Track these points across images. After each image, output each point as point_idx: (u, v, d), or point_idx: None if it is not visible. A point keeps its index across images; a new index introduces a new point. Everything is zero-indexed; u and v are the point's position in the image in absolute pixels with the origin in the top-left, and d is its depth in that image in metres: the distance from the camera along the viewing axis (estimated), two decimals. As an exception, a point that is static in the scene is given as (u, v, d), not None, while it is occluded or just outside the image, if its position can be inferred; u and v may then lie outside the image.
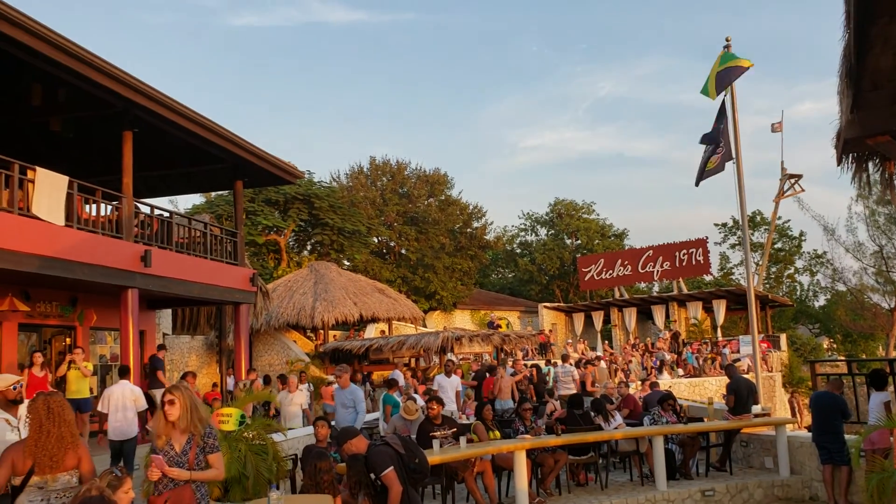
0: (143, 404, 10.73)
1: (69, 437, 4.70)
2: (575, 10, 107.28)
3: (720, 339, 34.53)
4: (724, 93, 12.43)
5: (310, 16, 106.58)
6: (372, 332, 30.79)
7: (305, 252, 39.68)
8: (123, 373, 10.93)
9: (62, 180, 12.01)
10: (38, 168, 11.62)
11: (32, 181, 11.51)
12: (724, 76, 12.08)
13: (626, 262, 40.11)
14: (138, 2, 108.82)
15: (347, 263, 39.23)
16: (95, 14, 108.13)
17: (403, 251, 44.62)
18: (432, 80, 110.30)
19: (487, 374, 16.74)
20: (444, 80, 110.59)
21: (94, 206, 13.60)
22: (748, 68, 12.08)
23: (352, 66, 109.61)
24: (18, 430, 5.47)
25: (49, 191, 11.69)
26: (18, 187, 11.29)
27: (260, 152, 17.10)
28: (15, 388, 5.61)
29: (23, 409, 5.48)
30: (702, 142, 12.76)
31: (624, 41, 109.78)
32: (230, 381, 18.93)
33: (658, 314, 38.45)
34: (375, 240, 43.95)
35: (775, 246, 51.52)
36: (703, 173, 12.82)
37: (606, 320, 40.91)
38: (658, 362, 28.94)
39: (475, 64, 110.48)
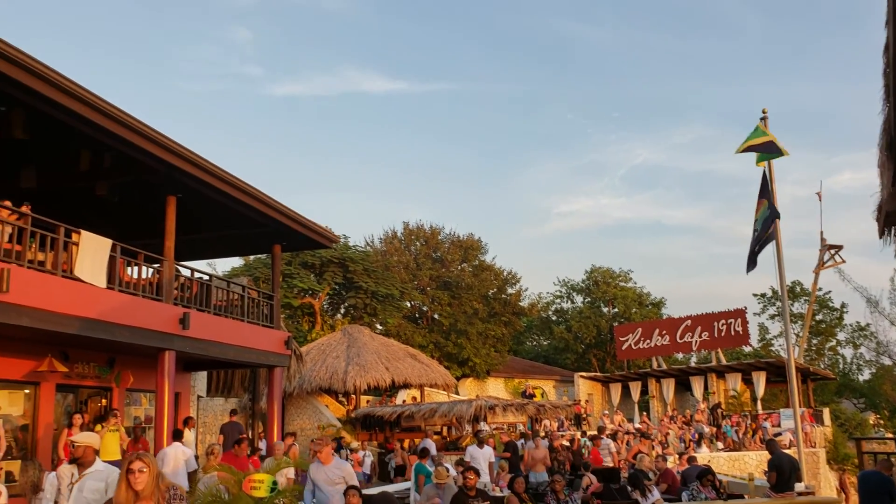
0: (193, 465, 11.46)
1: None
2: (609, 80, 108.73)
3: (760, 412, 33.63)
4: (765, 160, 12.30)
5: (349, 85, 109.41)
6: (404, 397, 30.55)
7: (339, 315, 39.81)
8: (177, 436, 11.46)
9: (106, 243, 12.27)
10: (82, 231, 11.89)
11: (77, 244, 11.76)
12: (763, 148, 12.01)
13: (664, 332, 39.58)
14: (183, 72, 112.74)
15: (380, 327, 39.25)
16: (142, 82, 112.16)
17: (436, 316, 44.55)
18: (466, 147, 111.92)
19: (523, 445, 16.44)
20: (478, 146, 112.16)
21: (135, 268, 13.82)
22: (783, 155, 11.99)
23: (387, 133, 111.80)
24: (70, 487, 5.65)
25: (92, 253, 11.93)
26: (63, 249, 11.55)
27: (298, 217, 17.35)
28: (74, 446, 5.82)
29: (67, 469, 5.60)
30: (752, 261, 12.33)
31: (659, 110, 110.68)
32: (262, 444, 18.82)
33: (696, 385, 37.67)
34: (408, 304, 43.98)
35: (816, 317, 50.45)
36: (756, 250, 12.43)
37: (644, 391, 40.16)
38: (696, 435, 28.22)
39: (509, 131, 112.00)
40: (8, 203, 11.08)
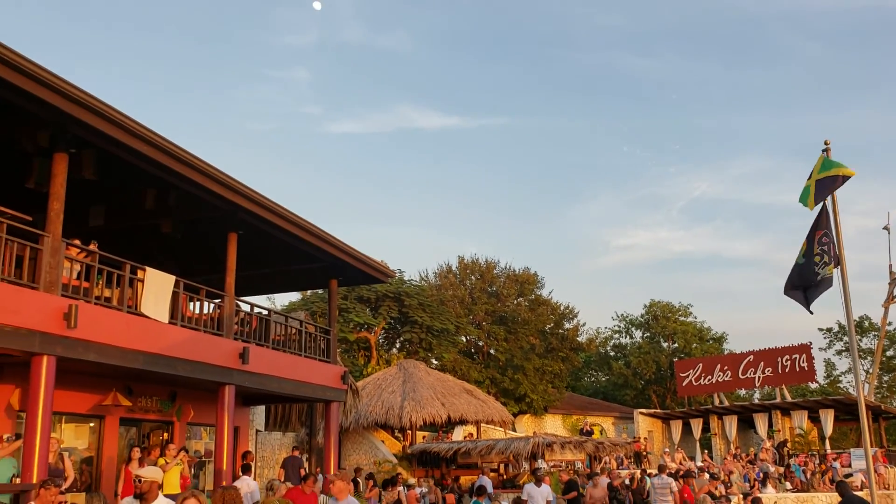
0: (257, 497, 12.02)
1: None
2: (666, 112, 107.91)
3: (829, 451, 32.39)
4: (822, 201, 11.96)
5: (404, 122, 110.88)
6: (460, 434, 30.35)
7: (395, 349, 39.92)
8: (246, 469, 11.78)
9: (169, 280, 12.59)
10: (147, 268, 12.24)
11: (142, 280, 12.11)
12: (825, 185, 11.68)
13: (726, 368, 38.66)
14: (244, 112, 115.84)
15: (435, 362, 39.19)
16: (204, 122, 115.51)
17: (492, 351, 44.29)
18: (522, 181, 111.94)
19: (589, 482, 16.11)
20: (533, 180, 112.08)
21: (197, 303, 14.13)
22: (850, 177, 11.67)
23: (442, 168, 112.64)
24: None
25: (157, 289, 12.25)
26: (129, 286, 11.89)
27: (354, 252, 17.57)
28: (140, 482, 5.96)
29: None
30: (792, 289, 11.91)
31: (718, 141, 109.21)
32: (320, 479, 18.87)
33: (760, 423, 36.55)
34: (464, 339, 43.84)
35: (887, 353, 48.63)
36: (810, 291, 11.97)
37: (706, 428, 39.13)
38: (761, 474, 27.28)
39: (565, 164, 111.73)
40: (77, 242, 11.48)
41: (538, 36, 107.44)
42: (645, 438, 37.34)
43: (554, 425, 43.11)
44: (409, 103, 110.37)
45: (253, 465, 16.39)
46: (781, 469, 28.62)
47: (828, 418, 34.60)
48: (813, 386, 46.51)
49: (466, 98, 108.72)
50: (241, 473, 13.30)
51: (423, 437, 29.54)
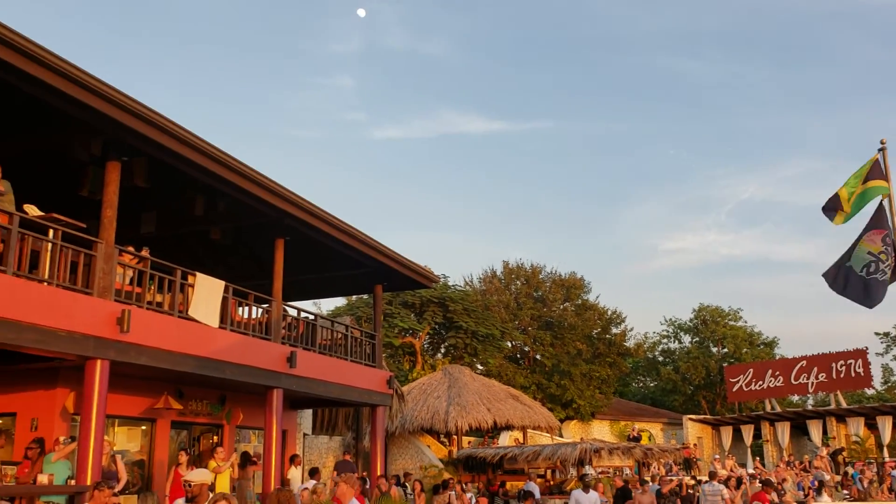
0: None
1: None
2: (713, 114, 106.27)
3: (888, 459, 31.45)
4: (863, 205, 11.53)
5: (448, 127, 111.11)
6: (506, 439, 30.21)
7: (440, 355, 39.93)
8: (313, 473, 12.07)
9: (219, 285, 12.78)
10: (197, 273, 12.44)
11: (192, 285, 12.31)
12: (871, 216, 11.22)
13: (778, 373, 37.85)
14: (290, 119, 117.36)
15: (481, 368, 39.08)
16: (251, 129, 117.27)
17: (538, 357, 44.02)
18: (567, 184, 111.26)
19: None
20: (579, 184, 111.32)
21: (246, 308, 14.32)
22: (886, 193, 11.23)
23: (487, 173, 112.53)
24: None
25: (207, 294, 12.44)
26: (180, 291, 12.10)
27: (399, 258, 17.63)
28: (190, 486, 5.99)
29: None
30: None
31: (766, 143, 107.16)
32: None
33: (814, 430, 35.68)
34: (509, 344, 43.65)
35: (947, 358, 47.13)
36: (873, 289, 11.49)
37: (757, 435, 38.34)
38: (816, 483, 26.58)
39: (611, 167, 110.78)
40: (131, 249, 11.72)
41: (583, 39, 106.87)
42: (694, 445, 36.75)
43: (601, 431, 42.65)
44: (453, 108, 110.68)
45: (300, 468, 16.53)
46: (837, 477, 27.89)
47: (886, 425, 33.65)
48: (869, 392, 45.36)
49: (511, 102, 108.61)
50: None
51: (469, 443, 29.48)
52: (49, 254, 9.81)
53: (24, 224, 9.54)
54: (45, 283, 9.64)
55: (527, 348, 44.62)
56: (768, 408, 38.21)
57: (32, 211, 10.29)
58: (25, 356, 10.21)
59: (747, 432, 38.23)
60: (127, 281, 11.34)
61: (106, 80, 9.56)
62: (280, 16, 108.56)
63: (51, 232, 9.95)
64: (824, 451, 31.74)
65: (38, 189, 11.75)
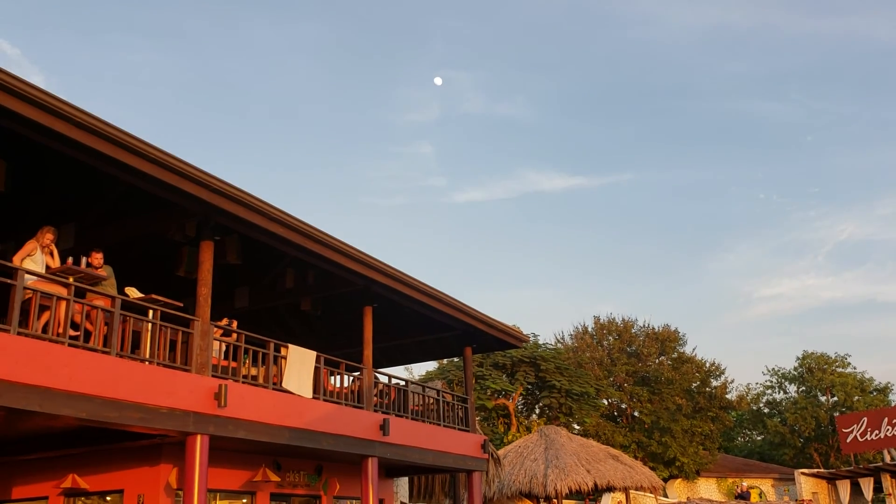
0: None
1: None
2: (801, 155, 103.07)
3: None
4: None
5: (528, 186, 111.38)
6: (608, 502, 29.20)
7: (534, 415, 39.23)
8: None
9: (311, 355, 12.96)
10: (290, 345, 12.67)
11: (285, 357, 12.53)
12: None
13: (895, 421, 35.54)
14: (373, 189, 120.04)
15: (577, 427, 38.16)
16: (334, 199, 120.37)
17: (636, 413, 42.68)
18: (654, 236, 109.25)
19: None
20: (665, 234, 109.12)
21: (338, 377, 14.45)
22: None
23: (570, 229, 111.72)
24: None
25: (299, 365, 12.63)
26: (273, 363, 12.33)
27: (487, 318, 17.54)
28: None
29: None
30: None
31: (861, 180, 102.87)
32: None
33: (943, 482, 33.16)
34: (605, 402, 42.53)
35: None
36: None
37: (878, 488, 35.86)
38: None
39: (697, 215, 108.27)
40: (224, 322, 12.08)
41: (659, 88, 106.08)
42: (810, 501, 34.66)
43: (708, 489, 40.77)
44: (531, 167, 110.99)
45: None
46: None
47: None
48: None
49: (590, 157, 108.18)
50: None
51: (570, 506, 28.63)
52: (149, 333, 10.20)
53: (125, 306, 9.96)
54: (147, 363, 9.99)
55: (624, 405, 43.39)
56: (887, 459, 35.80)
57: (133, 293, 10.75)
58: (130, 434, 10.52)
59: (866, 486, 35.80)
60: (222, 356, 11.65)
61: (196, 163, 10.02)
62: (359, 90, 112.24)
63: (150, 312, 10.35)
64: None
65: (137, 271, 12.31)
